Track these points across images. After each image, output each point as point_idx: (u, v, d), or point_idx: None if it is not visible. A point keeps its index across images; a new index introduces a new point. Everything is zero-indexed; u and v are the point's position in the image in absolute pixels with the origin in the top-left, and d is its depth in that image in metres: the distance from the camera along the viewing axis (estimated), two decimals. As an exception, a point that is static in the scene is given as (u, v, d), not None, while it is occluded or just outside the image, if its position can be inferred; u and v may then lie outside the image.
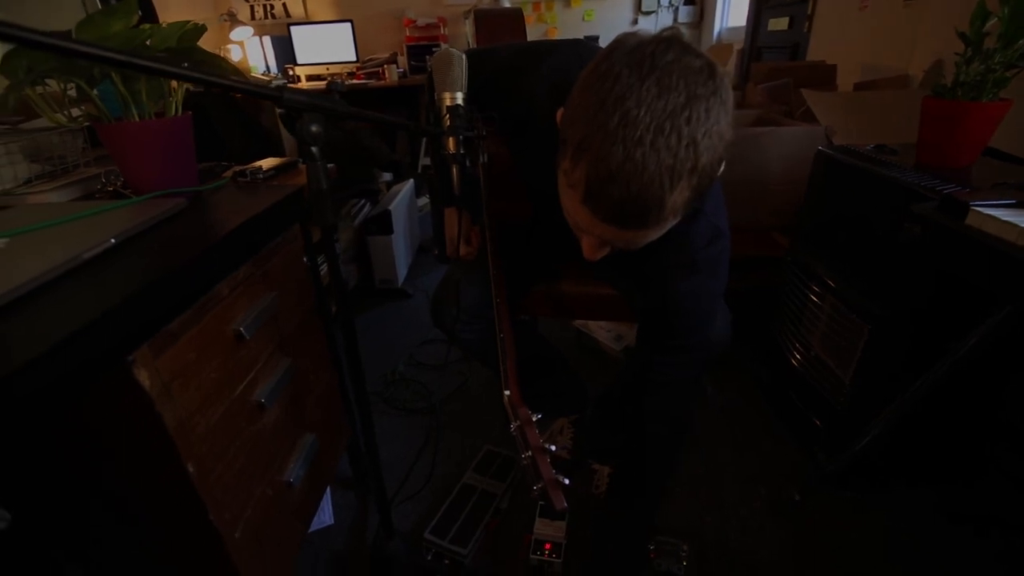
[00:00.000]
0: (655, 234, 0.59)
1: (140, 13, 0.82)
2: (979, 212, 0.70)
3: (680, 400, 0.96)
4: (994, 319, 0.68)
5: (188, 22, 0.87)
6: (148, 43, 0.82)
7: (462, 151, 0.79)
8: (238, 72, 0.84)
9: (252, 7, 3.80)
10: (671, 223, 0.58)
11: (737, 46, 3.27)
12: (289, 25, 3.59)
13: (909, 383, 0.93)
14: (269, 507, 0.82)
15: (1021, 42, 0.91)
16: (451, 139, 0.78)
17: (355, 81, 3.60)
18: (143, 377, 0.57)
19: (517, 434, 0.65)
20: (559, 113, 0.61)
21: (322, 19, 3.74)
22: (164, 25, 0.83)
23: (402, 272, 2.16)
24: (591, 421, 1.26)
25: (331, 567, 1.10)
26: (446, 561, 1.08)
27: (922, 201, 0.88)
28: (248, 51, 3.64)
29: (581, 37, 3.67)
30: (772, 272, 1.46)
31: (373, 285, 2.13)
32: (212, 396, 0.68)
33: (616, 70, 0.52)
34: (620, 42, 0.54)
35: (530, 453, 0.62)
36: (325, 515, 1.22)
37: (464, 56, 0.80)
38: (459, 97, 0.79)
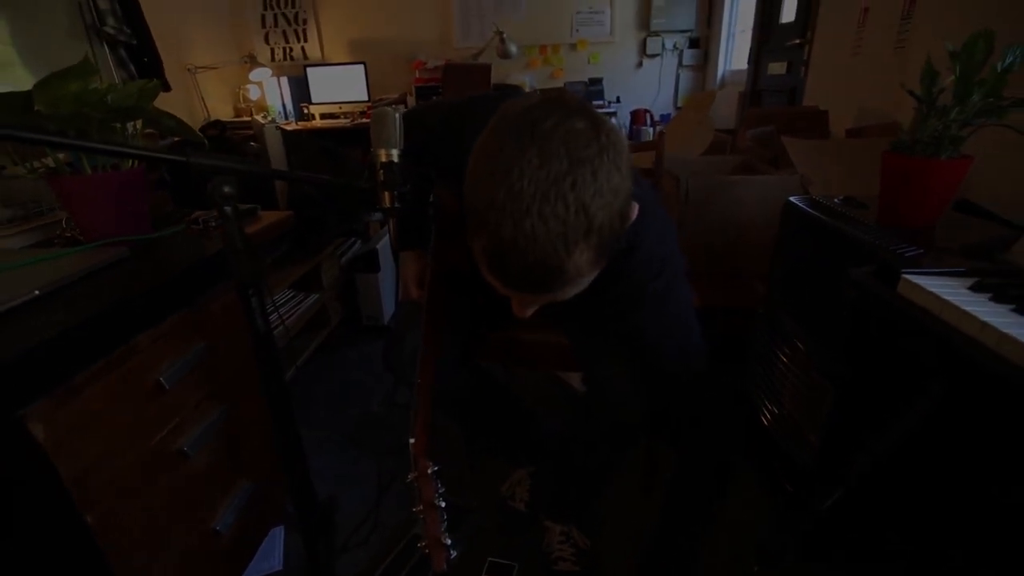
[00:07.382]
0: (573, 290, 0.58)
1: (121, 70, 0.87)
2: (909, 280, 0.68)
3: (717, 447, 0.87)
4: (927, 398, 0.64)
5: (150, 81, 0.92)
6: (109, 100, 0.87)
7: (397, 205, 0.81)
8: (185, 129, 0.88)
9: (272, 50, 4.00)
10: (586, 279, 0.58)
11: (739, 89, 3.30)
12: (306, 67, 3.76)
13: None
14: (190, 556, 0.82)
15: (974, 98, 0.90)
16: (386, 193, 0.80)
17: (366, 120, 3.73)
18: (37, 431, 0.58)
19: (415, 485, 0.64)
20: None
21: (338, 61, 3.92)
22: (123, 85, 0.88)
23: (389, 310, 2.18)
24: (547, 475, 1.22)
25: (271, 617, 1.08)
26: (386, 617, 1.05)
27: (875, 261, 0.85)
28: (266, 91, 3.81)
29: (586, 79, 3.77)
30: (748, 321, 1.42)
31: (360, 322, 2.16)
32: (122, 446, 0.69)
33: (500, 144, 0.53)
34: (503, 114, 0.55)
35: (422, 507, 0.61)
36: (274, 560, 1.20)
37: (398, 116, 0.82)
38: (394, 154, 0.81)
